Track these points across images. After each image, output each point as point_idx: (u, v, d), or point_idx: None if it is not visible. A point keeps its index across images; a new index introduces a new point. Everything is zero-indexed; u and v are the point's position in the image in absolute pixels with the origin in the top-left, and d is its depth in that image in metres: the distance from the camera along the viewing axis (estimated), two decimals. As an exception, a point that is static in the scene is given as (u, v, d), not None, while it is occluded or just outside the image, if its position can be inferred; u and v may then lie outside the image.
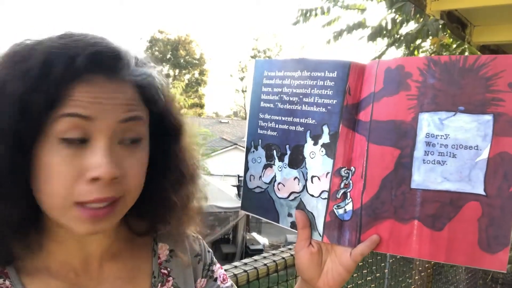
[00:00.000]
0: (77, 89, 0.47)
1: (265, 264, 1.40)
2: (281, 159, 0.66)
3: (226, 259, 10.12)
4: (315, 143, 0.63)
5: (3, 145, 0.46)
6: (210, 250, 0.74)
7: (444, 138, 0.55)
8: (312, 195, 0.63)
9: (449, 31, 2.89)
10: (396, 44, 3.63)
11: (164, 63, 27.39)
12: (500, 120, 0.53)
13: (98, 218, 0.49)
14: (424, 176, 0.56)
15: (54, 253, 0.55)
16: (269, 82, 0.68)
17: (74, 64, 0.47)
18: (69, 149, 0.47)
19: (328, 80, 0.61)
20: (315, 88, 0.62)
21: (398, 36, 3.68)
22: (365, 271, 2.51)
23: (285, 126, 0.66)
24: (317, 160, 0.62)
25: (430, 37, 3.08)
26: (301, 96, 0.64)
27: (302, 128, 0.64)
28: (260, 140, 0.69)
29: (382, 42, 3.84)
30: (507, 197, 0.53)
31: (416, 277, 2.81)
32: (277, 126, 0.67)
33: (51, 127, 0.47)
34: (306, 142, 0.64)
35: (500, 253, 0.53)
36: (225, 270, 1.33)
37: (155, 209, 0.60)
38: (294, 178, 0.65)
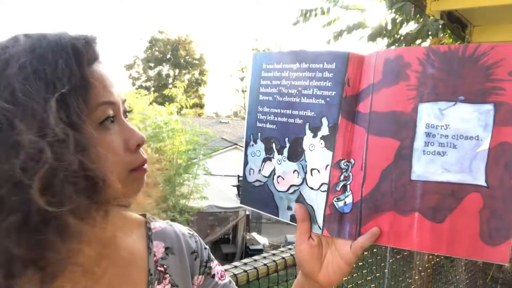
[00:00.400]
0: (93, 75, 0.53)
1: (265, 264, 1.40)
2: (280, 152, 0.66)
3: (226, 259, 10.12)
4: (314, 136, 0.62)
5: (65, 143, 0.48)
6: (207, 247, 0.74)
7: (444, 129, 0.55)
8: (312, 188, 0.62)
9: (449, 31, 2.89)
10: (396, 44, 3.64)
11: (164, 63, 27.40)
12: (501, 110, 0.52)
13: (144, 175, 0.59)
14: (424, 168, 0.56)
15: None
16: (268, 75, 0.67)
17: (94, 50, 0.54)
18: (108, 130, 0.55)
19: (326, 72, 0.61)
20: (314, 80, 0.62)
21: (398, 36, 3.68)
22: (365, 271, 2.50)
23: (284, 119, 0.65)
24: (316, 152, 0.62)
25: (430, 37, 3.08)
26: (299, 88, 0.63)
27: (301, 121, 0.63)
28: (259, 133, 0.69)
29: (382, 42, 3.85)
30: (509, 188, 0.52)
31: (416, 277, 2.81)
32: (276, 119, 0.66)
33: (91, 113, 0.52)
34: (305, 134, 0.63)
35: (502, 245, 0.52)
36: (225, 270, 1.33)
37: None
38: (294, 171, 0.64)
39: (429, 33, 2.98)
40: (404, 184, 0.57)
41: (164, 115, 8.00)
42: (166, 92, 9.74)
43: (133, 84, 26.89)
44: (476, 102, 0.53)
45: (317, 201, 0.62)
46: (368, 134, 0.59)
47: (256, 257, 1.46)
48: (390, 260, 3.28)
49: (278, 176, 0.66)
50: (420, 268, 2.81)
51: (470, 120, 0.53)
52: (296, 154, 0.64)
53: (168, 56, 27.38)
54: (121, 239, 0.63)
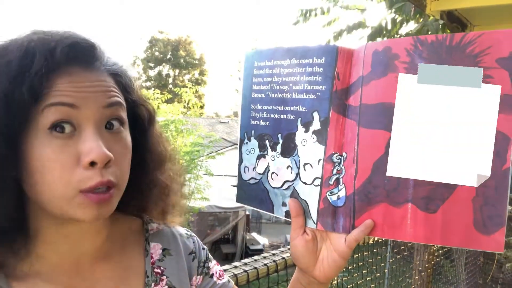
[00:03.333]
0: (58, 80, 0.48)
1: (265, 264, 1.39)
2: (273, 148, 0.65)
3: (226, 259, 10.10)
4: (306, 130, 0.62)
5: None
6: (205, 247, 0.73)
7: None
8: (305, 183, 0.62)
9: (449, 31, 2.88)
10: (396, 44, 3.63)
11: (164, 63, 27.40)
12: None
13: (103, 202, 0.50)
14: None
15: (45, 256, 0.53)
16: (260, 73, 0.67)
17: (54, 56, 0.48)
18: (60, 139, 0.48)
19: (316, 67, 0.61)
20: (304, 75, 0.62)
21: (398, 36, 3.68)
22: (365, 271, 2.50)
23: (277, 115, 0.65)
24: (308, 147, 0.62)
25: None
26: (291, 84, 0.63)
27: (293, 116, 0.63)
28: (253, 131, 0.68)
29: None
30: (501, 175, 0.51)
31: (416, 277, 2.80)
32: (268, 116, 0.66)
33: (38, 119, 0.47)
34: (297, 130, 0.63)
35: (496, 233, 0.51)
36: (225, 270, 1.33)
37: (139, 194, 0.61)
38: (287, 167, 0.64)
39: (429, 33, 2.99)
40: None
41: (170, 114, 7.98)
42: (176, 90, 9.72)
43: (133, 84, 26.87)
44: None
45: (311, 195, 0.61)
46: (359, 127, 0.59)
47: (256, 257, 1.45)
48: (390, 260, 3.28)
49: (272, 173, 0.66)
50: (420, 268, 2.81)
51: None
52: (289, 149, 0.64)
53: (168, 56, 27.33)
54: (118, 242, 0.62)
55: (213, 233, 10.57)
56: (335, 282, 2.15)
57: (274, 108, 0.65)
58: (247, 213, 11.04)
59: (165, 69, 27.79)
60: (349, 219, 0.59)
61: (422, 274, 2.76)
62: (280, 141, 0.65)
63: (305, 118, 0.62)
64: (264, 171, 0.67)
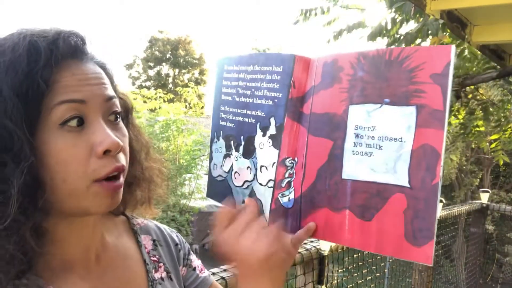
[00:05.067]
0: (61, 73, 0.49)
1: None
2: (237, 149, 0.68)
3: (226, 259, 10.11)
4: (264, 135, 0.64)
5: (9, 138, 0.46)
6: (186, 241, 0.76)
7: (371, 130, 0.55)
8: (261, 184, 0.64)
9: (449, 31, 2.88)
10: (396, 44, 3.63)
11: (163, 63, 27.38)
12: (422, 112, 0.51)
13: (116, 191, 0.52)
14: (354, 167, 0.56)
15: (54, 254, 0.54)
16: (228, 76, 0.70)
17: (58, 48, 0.49)
18: (71, 133, 0.49)
19: (275, 74, 0.63)
20: (264, 82, 0.64)
21: (398, 35, 3.66)
22: (365, 270, 2.50)
23: (240, 118, 0.68)
24: (265, 150, 0.64)
25: (430, 37, 3.07)
26: (253, 90, 0.66)
27: (254, 120, 0.65)
28: (221, 131, 0.71)
29: (382, 42, 3.84)
30: (430, 189, 0.51)
31: (416, 277, 2.80)
32: (234, 118, 0.69)
33: (49, 115, 0.48)
34: (256, 133, 0.65)
35: (425, 246, 0.51)
36: (224, 270, 1.33)
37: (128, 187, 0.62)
38: (247, 168, 0.67)
39: (429, 32, 2.97)
40: (336, 182, 0.58)
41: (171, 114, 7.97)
42: (178, 90, 9.70)
43: (133, 84, 26.72)
44: (400, 104, 0.53)
45: (265, 196, 0.64)
46: (308, 134, 0.61)
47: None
48: (390, 260, 3.27)
49: (235, 172, 0.69)
50: (420, 268, 2.80)
51: (394, 122, 0.53)
52: (249, 151, 0.66)
53: (168, 55, 27.32)
54: (112, 237, 0.64)
55: (213, 233, 10.56)
56: (335, 281, 2.15)
57: (239, 111, 0.68)
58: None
59: (165, 68, 27.73)
60: (296, 221, 0.62)
61: (422, 274, 2.75)
62: (242, 143, 0.67)
63: (263, 123, 0.64)
64: (229, 170, 0.70)
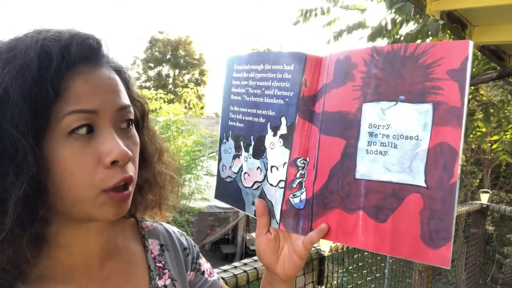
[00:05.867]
0: (74, 80, 0.47)
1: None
2: (246, 149, 0.67)
3: (226, 259, 10.05)
4: (275, 134, 0.63)
5: (12, 147, 0.44)
6: (196, 245, 0.74)
7: (386, 128, 0.53)
8: (271, 185, 0.63)
9: (449, 32, 2.88)
10: (396, 44, 3.63)
11: (164, 63, 27.37)
12: (439, 109, 0.50)
13: (124, 201, 0.50)
14: (368, 167, 0.54)
15: (57, 258, 0.53)
16: (238, 76, 0.69)
17: (70, 53, 0.47)
18: (80, 141, 0.47)
19: (286, 73, 0.61)
20: (275, 81, 0.63)
21: (398, 36, 3.65)
22: (365, 271, 2.49)
23: (250, 118, 0.66)
24: (276, 150, 0.63)
25: (430, 38, 3.08)
26: (263, 89, 0.64)
27: (264, 120, 0.64)
28: (230, 131, 0.70)
29: (382, 43, 3.84)
30: (448, 189, 0.49)
31: (416, 277, 2.79)
32: (244, 118, 0.68)
33: (58, 123, 0.46)
34: (267, 133, 0.64)
35: (443, 248, 0.49)
36: (225, 270, 1.33)
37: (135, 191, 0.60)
38: (257, 168, 0.65)
39: (429, 33, 2.97)
40: (349, 182, 0.56)
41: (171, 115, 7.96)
42: (178, 90, 9.69)
43: (133, 84, 26.85)
44: (416, 102, 0.51)
45: (276, 197, 0.63)
46: (320, 133, 0.59)
47: (256, 257, 1.46)
48: (390, 260, 3.27)
49: (245, 173, 0.67)
50: (420, 268, 2.80)
51: (410, 120, 0.52)
52: (259, 151, 0.65)
53: (168, 56, 27.29)
54: (119, 241, 0.63)
55: (213, 233, 10.54)
56: (335, 282, 2.15)
57: (249, 111, 0.67)
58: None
59: (165, 69, 27.70)
60: (308, 222, 0.60)
61: (422, 274, 2.75)
62: (252, 143, 0.66)
63: (274, 122, 0.63)
64: (238, 171, 0.69)
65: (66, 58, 0.46)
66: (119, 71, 0.54)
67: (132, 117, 0.53)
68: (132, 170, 0.51)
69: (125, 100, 0.52)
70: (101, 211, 0.50)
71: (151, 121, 0.64)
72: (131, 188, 0.52)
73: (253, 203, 0.66)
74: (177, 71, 27.59)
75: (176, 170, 0.67)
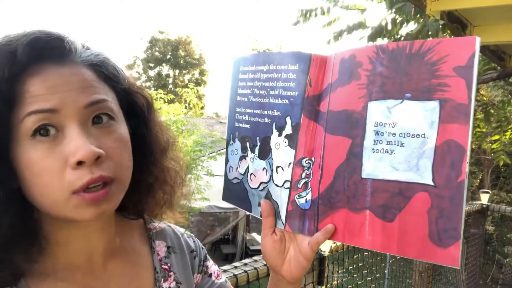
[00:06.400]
0: (30, 82, 0.45)
1: (265, 265, 1.39)
2: (252, 150, 0.66)
3: (226, 259, 10.03)
4: (280, 134, 0.62)
5: None
6: (203, 247, 0.73)
7: (392, 127, 0.53)
8: (277, 185, 0.63)
9: (449, 32, 2.88)
10: (396, 45, 3.63)
11: (164, 63, 27.37)
12: (446, 106, 0.49)
13: (99, 200, 0.47)
14: (374, 166, 0.54)
15: (59, 256, 0.53)
16: (244, 77, 0.68)
17: (16, 57, 0.45)
18: (44, 143, 0.46)
19: (290, 73, 0.61)
20: (280, 81, 0.62)
21: (398, 36, 3.66)
22: (365, 271, 2.49)
23: (256, 119, 0.66)
24: (281, 151, 0.62)
25: (430, 38, 3.08)
26: (268, 89, 0.64)
27: (269, 120, 0.64)
28: (237, 132, 0.70)
29: (382, 43, 3.85)
30: (456, 187, 0.48)
31: (416, 277, 2.79)
32: (249, 119, 0.67)
33: (19, 128, 0.45)
34: (272, 133, 0.63)
35: (451, 247, 0.48)
36: (225, 270, 1.33)
37: (143, 189, 0.59)
38: (263, 169, 0.65)
39: (429, 33, 2.98)
40: (355, 182, 0.55)
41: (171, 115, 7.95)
42: (178, 90, 9.69)
43: (133, 84, 26.87)
44: (422, 99, 0.50)
45: (281, 197, 0.62)
46: (325, 133, 0.58)
47: (256, 258, 1.44)
48: (390, 261, 3.27)
49: (251, 174, 0.67)
50: (420, 269, 2.79)
51: (416, 117, 0.51)
52: (265, 152, 0.64)
53: (168, 56, 27.26)
54: (125, 241, 0.62)
55: (213, 233, 10.52)
56: (335, 282, 2.15)
57: (254, 111, 0.66)
58: (247, 213, 11.02)
59: (165, 69, 27.68)
60: (314, 222, 0.59)
61: (422, 274, 2.75)
62: (258, 143, 0.66)
63: (279, 123, 0.62)
64: (245, 172, 0.68)
65: (12, 62, 0.45)
66: (95, 66, 0.51)
67: (110, 111, 0.50)
68: (108, 168, 0.48)
69: (96, 95, 0.49)
70: (77, 213, 0.47)
71: (157, 114, 0.61)
72: (112, 187, 0.48)
73: (259, 204, 0.65)
74: (177, 71, 27.57)
75: (182, 166, 0.65)
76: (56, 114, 0.46)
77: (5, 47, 0.46)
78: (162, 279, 0.62)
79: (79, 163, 0.46)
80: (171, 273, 0.64)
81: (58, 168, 0.46)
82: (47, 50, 0.47)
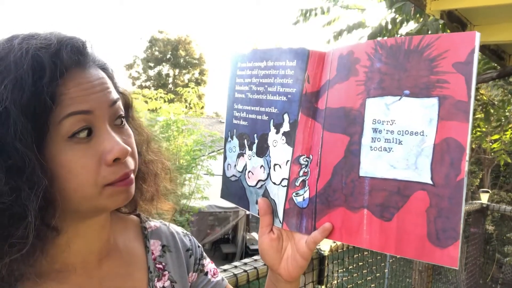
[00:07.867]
0: (67, 85, 0.47)
1: (265, 264, 1.39)
2: (250, 148, 0.65)
3: (226, 259, 10.04)
4: (277, 132, 0.61)
5: (21, 161, 0.44)
6: (200, 245, 0.73)
7: (390, 124, 0.51)
8: (274, 183, 0.61)
9: (449, 31, 2.88)
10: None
11: (164, 63, 27.36)
12: (445, 103, 0.47)
13: (129, 185, 0.52)
14: (372, 164, 0.52)
15: (55, 256, 0.52)
16: (241, 73, 0.67)
17: (62, 60, 0.47)
18: (81, 144, 0.48)
19: (288, 69, 0.59)
20: (277, 78, 0.61)
21: (398, 36, 3.68)
22: (365, 271, 2.48)
23: (254, 116, 0.65)
24: (278, 148, 0.61)
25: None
26: (266, 86, 0.62)
27: (267, 117, 0.62)
28: (234, 130, 0.68)
29: (382, 42, 3.85)
30: (455, 186, 0.47)
31: (416, 277, 2.79)
32: (247, 116, 0.66)
33: (57, 128, 0.46)
34: (270, 130, 0.62)
35: (450, 247, 0.47)
36: (225, 270, 1.33)
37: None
38: (261, 167, 0.64)
39: (429, 32, 2.98)
40: (353, 180, 0.54)
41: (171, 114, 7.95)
42: (178, 90, 9.69)
43: (133, 84, 26.54)
44: (421, 96, 0.49)
45: (279, 195, 0.61)
46: (323, 130, 0.57)
47: (256, 257, 1.44)
48: (390, 260, 3.27)
49: (249, 171, 0.65)
50: (420, 268, 2.79)
51: (415, 115, 0.49)
52: (262, 149, 0.63)
53: (168, 56, 27.21)
54: (120, 240, 0.62)
55: (213, 233, 10.53)
56: (335, 282, 2.15)
57: (252, 108, 0.65)
58: (247, 213, 11.02)
59: (165, 69, 27.66)
60: (311, 221, 0.58)
61: (422, 274, 2.75)
62: (256, 141, 0.64)
63: (277, 120, 0.61)
64: (243, 169, 0.67)
65: (59, 65, 0.47)
66: (104, 68, 0.54)
67: (123, 112, 0.54)
68: (132, 163, 0.53)
69: (115, 94, 0.53)
70: (110, 201, 0.51)
71: (135, 112, 0.64)
72: (132, 175, 0.53)
73: (257, 202, 0.64)
74: (177, 71, 27.56)
75: (167, 157, 0.67)
76: (91, 115, 0.49)
77: (47, 49, 0.47)
78: (156, 278, 0.62)
79: (115, 160, 0.50)
80: (166, 272, 0.64)
81: (94, 165, 0.49)
82: (79, 55, 0.50)
